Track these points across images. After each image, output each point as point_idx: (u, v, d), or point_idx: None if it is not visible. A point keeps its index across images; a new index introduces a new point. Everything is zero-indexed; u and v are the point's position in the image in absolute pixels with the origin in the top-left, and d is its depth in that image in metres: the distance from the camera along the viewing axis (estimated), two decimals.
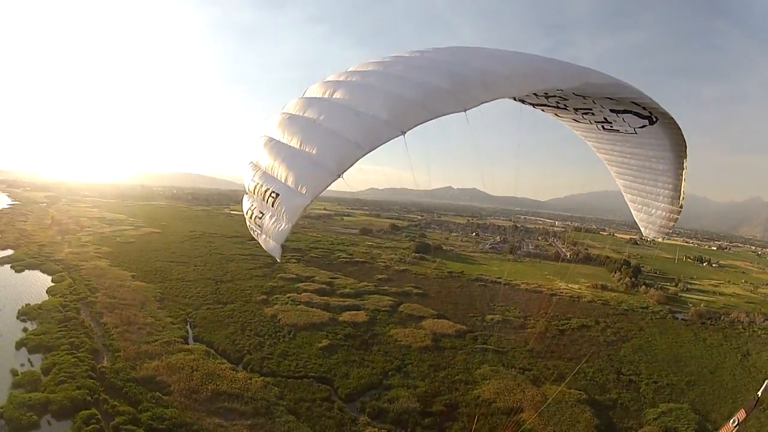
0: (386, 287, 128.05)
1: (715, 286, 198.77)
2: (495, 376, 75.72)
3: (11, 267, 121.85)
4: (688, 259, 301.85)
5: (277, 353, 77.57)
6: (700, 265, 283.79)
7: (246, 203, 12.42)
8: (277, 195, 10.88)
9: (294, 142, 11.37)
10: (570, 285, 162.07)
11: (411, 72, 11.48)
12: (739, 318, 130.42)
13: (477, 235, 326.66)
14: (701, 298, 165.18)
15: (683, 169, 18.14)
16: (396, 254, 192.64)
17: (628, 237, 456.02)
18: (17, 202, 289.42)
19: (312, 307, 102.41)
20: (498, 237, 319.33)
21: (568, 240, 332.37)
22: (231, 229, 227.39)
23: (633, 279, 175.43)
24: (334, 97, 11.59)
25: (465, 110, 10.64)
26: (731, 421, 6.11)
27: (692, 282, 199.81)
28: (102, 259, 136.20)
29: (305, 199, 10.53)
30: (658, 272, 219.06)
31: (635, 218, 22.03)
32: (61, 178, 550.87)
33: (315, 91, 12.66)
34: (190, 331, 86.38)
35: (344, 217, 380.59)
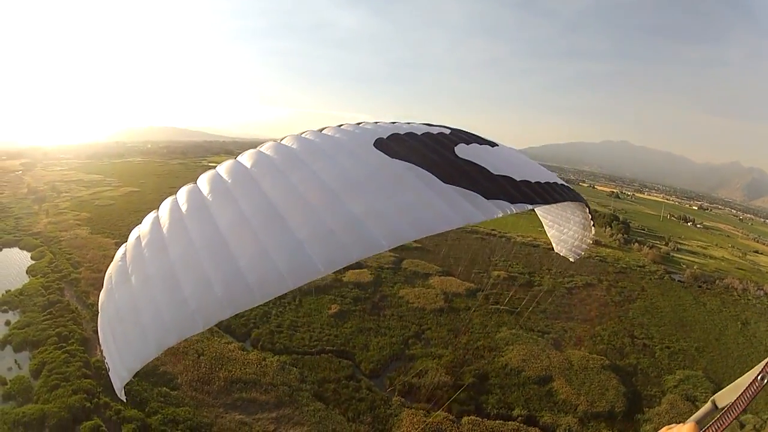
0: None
1: (704, 248, 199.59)
2: (517, 340, 74.06)
3: None
4: (672, 218, 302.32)
5: (287, 325, 72.82)
6: (685, 224, 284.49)
7: (99, 337, 11.64)
8: (108, 369, 10.62)
9: (110, 326, 10.98)
10: None
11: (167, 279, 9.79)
12: (733, 285, 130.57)
13: None
14: (693, 259, 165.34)
15: (590, 215, 18.50)
16: None
17: (608, 190, 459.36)
18: None
19: None
20: None
21: None
22: None
23: (625, 236, 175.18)
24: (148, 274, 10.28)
25: (204, 326, 9.17)
26: (760, 376, 3.13)
27: (681, 242, 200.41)
28: (82, 226, 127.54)
29: (117, 390, 10.56)
30: (646, 229, 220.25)
31: (547, 233, 21.23)
32: (37, 143, 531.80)
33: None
34: None
35: None
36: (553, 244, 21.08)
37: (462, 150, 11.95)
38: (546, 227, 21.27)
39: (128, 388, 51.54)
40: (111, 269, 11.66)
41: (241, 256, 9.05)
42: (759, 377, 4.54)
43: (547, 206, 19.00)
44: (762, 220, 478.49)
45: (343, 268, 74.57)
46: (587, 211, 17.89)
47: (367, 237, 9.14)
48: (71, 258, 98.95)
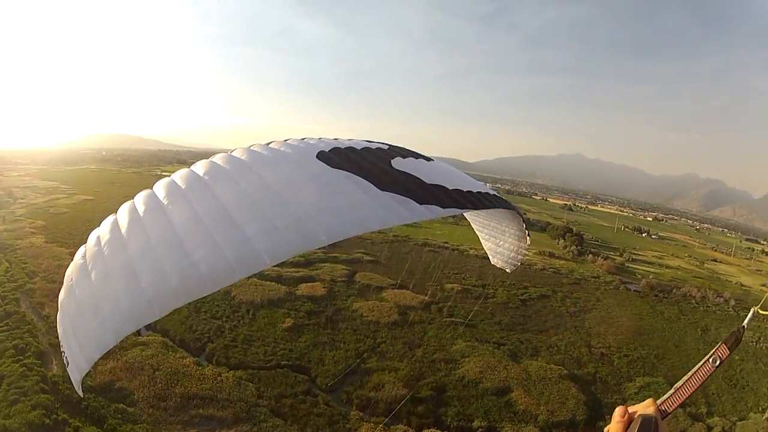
0: (335, 254, 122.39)
1: (659, 258, 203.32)
2: (473, 352, 74.20)
3: None
4: (627, 229, 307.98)
5: (241, 339, 71.93)
6: (639, 235, 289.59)
7: (59, 333, 11.91)
8: (68, 364, 11.00)
9: (69, 321, 11.32)
10: None
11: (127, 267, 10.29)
12: (691, 293, 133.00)
13: None
14: (648, 269, 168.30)
15: (525, 224, 18.93)
16: None
17: (561, 202, 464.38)
18: None
19: (265, 280, 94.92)
20: None
21: None
22: None
23: (579, 247, 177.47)
24: (109, 268, 10.70)
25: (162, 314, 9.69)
26: (711, 359, 5.03)
27: (635, 252, 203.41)
28: (37, 234, 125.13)
29: (75, 382, 10.83)
30: (599, 241, 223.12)
31: (484, 246, 21.74)
32: None
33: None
34: None
35: None
36: (490, 257, 21.44)
37: (398, 162, 12.79)
38: (482, 240, 21.76)
39: (85, 404, 50.86)
40: (71, 269, 11.90)
41: (194, 250, 9.61)
42: (710, 359, 5.22)
43: (483, 221, 20.66)
44: (720, 229, 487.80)
45: (296, 282, 75.31)
46: (521, 221, 18.55)
47: (308, 233, 9.89)
48: (26, 267, 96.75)
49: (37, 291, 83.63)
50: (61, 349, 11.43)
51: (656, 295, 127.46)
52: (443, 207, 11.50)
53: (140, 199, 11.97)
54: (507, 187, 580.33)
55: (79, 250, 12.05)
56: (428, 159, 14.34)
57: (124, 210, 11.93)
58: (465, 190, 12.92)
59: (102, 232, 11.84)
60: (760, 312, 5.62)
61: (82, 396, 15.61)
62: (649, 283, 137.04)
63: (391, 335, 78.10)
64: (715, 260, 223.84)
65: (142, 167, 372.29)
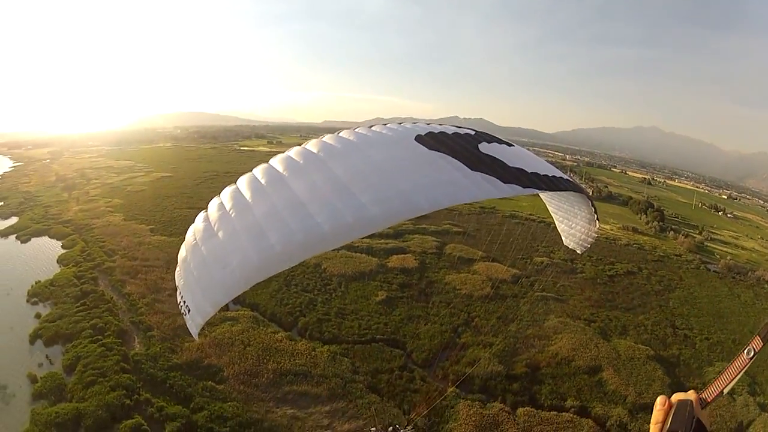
0: (424, 225, 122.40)
1: (735, 238, 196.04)
2: (565, 329, 73.90)
3: (16, 238, 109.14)
4: (704, 206, 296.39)
5: (334, 312, 71.93)
6: (716, 213, 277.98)
7: (178, 286, 14.04)
8: (189, 311, 13.04)
9: (194, 273, 13.10)
10: (602, 225, 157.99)
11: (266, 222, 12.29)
12: (765, 277, 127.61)
13: None
14: (725, 250, 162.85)
15: (594, 209, 20.13)
16: None
17: (639, 176, 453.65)
18: (20, 163, 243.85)
19: (356, 252, 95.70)
20: None
21: (585, 176, 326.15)
22: (245, 166, 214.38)
23: (661, 223, 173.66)
24: (233, 226, 12.84)
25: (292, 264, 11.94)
26: (745, 351, 5.06)
27: (713, 231, 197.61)
28: (114, 213, 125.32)
29: (196, 326, 12.98)
30: (678, 217, 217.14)
31: (558, 228, 23.61)
32: (63, 132, 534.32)
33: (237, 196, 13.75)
34: None
35: None
36: (563, 238, 23.10)
37: (484, 147, 15.03)
38: (556, 222, 23.43)
39: (170, 383, 52.25)
40: (192, 231, 14.01)
41: (317, 213, 11.46)
42: (745, 351, 5.18)
43: (557, 203, 22.69)
44: None
45: (387, 253, 76.05)
46: (591, 205, 20.15)
47: (413, 202, 11.87)
48: (104, 246, 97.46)
49: (117, 269, 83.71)
50: (179, 300, 13.54)
51: (733, 278, 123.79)
52: (523, 187, 13.76)
53: (259, 172, 13.99)
54: (586, 159, 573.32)
55: (198, 216, 14.18)
56: (509, 144, 16.51)
57: (243, 181, 14.02)
58: (542, 173, 14.98)
59: (224, 198, 13.80)
60: None
61: (196, 339, 18.31)
62: (727, 264, 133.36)
63: (485, 309, 77.54)
64: None
65: (219, 143, 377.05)
